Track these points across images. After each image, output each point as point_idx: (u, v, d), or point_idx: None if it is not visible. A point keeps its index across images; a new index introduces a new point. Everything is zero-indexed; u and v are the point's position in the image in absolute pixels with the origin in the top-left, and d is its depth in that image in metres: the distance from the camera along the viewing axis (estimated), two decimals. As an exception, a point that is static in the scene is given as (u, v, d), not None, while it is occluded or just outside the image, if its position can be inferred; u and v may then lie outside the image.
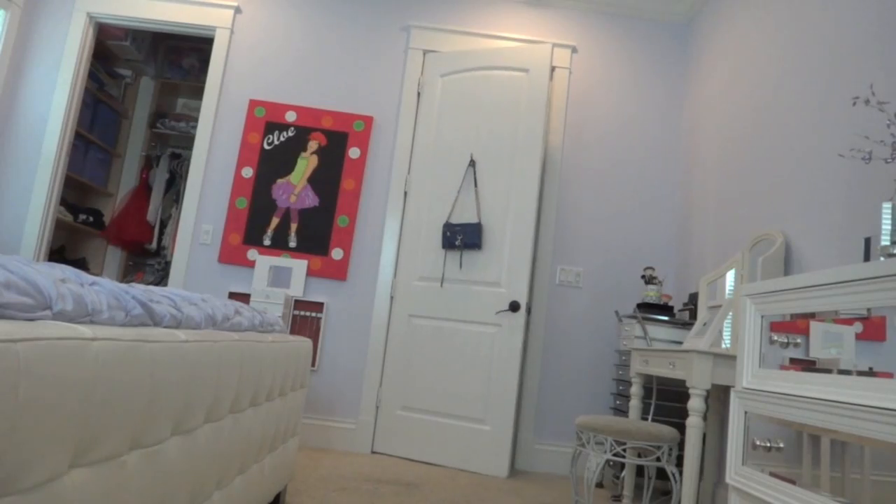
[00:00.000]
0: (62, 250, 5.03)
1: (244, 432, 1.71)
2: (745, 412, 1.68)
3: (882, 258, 1.59)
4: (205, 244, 3.99)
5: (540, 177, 3.69)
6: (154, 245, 5.22)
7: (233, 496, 1.66)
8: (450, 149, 3.93)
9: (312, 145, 4.06)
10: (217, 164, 4.07)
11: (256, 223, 3.99)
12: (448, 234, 3.79)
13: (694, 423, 2.35)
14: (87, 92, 4.55)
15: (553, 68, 4.17)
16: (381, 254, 3.99)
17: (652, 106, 4.20)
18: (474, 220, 3.77)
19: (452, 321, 3.74)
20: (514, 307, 3.54)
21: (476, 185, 3.81)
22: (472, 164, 3.83)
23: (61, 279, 1.00)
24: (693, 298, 3.47)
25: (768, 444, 1.64)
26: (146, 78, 5.55)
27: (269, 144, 4.05)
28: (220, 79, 4.11)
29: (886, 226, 1.62)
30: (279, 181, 4.03)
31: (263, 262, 3.92)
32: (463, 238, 3.74)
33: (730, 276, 2.89)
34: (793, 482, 1.47)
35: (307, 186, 4.03)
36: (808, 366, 1.60)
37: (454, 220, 3.83)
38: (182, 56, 5.45)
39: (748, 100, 3.25)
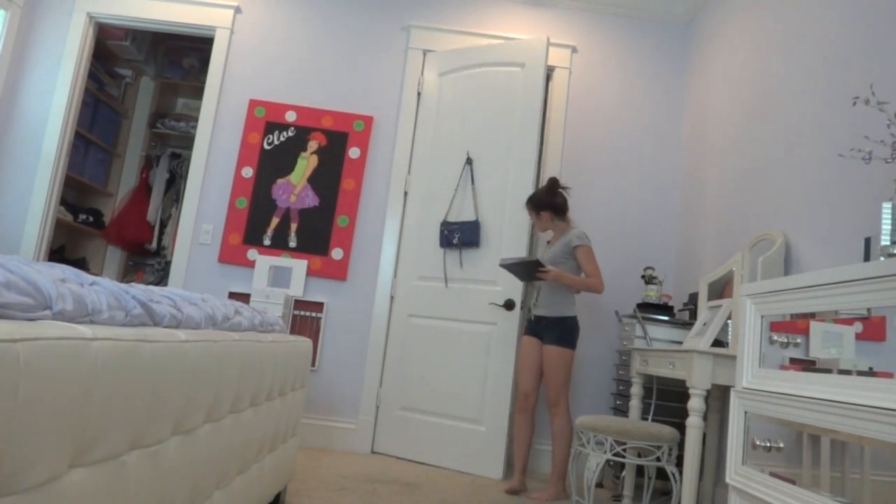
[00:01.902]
0: (62, 250, 5.02)
1: (244, 432, 1.71)
2: (745, 412, 1.68)
3: (882, 258, 1.59)
4: (205, 244, 3.99)
5: (536, 174, 3.66)
6: (154, 245, 5.21)
7: (233, 496, 1.66)
8: (449, 147, 3.93)
9: (312, 145, 4.06)
10: (217, 164, 4.06)
11: (256, 223, 3.99)
12: (445, 232, 3.78)
13: (694, 423, 2.35)
14: (87, 92, 4.54)
15: (552, 69, 4.17)
16: (381, 254, 3.99)
17: (652, 106, 4.20)
18: (472, 217, 3.76)
19: (450, 320, 3.72)
20: (508, 305, 3.53)
21: (473, 182, 3.80)
22: (469, 161, 3.82)
23: (61, 279, 1.00)
24: (693, 298, 3.46)
25: (768, 444, 1.63)
26: (146, 78, 5.55)
27: (269, 144, 4.05)
28: (220, 79, 4.11)
29: (886, 226, 1.62)
30: (279, 181, 4.03)
31: (263, 262, 3.92)
32: (461, 236, 3.73)
33: (730, 276, 2.89)
34: (793, 482, 1.47)
35: (307, 186, 4.02)
36: (808, 366, 1.60)
37: (451, 219, 3.82)
38: (182, 56, 5.44)
39: (748, 100, 3.24)
